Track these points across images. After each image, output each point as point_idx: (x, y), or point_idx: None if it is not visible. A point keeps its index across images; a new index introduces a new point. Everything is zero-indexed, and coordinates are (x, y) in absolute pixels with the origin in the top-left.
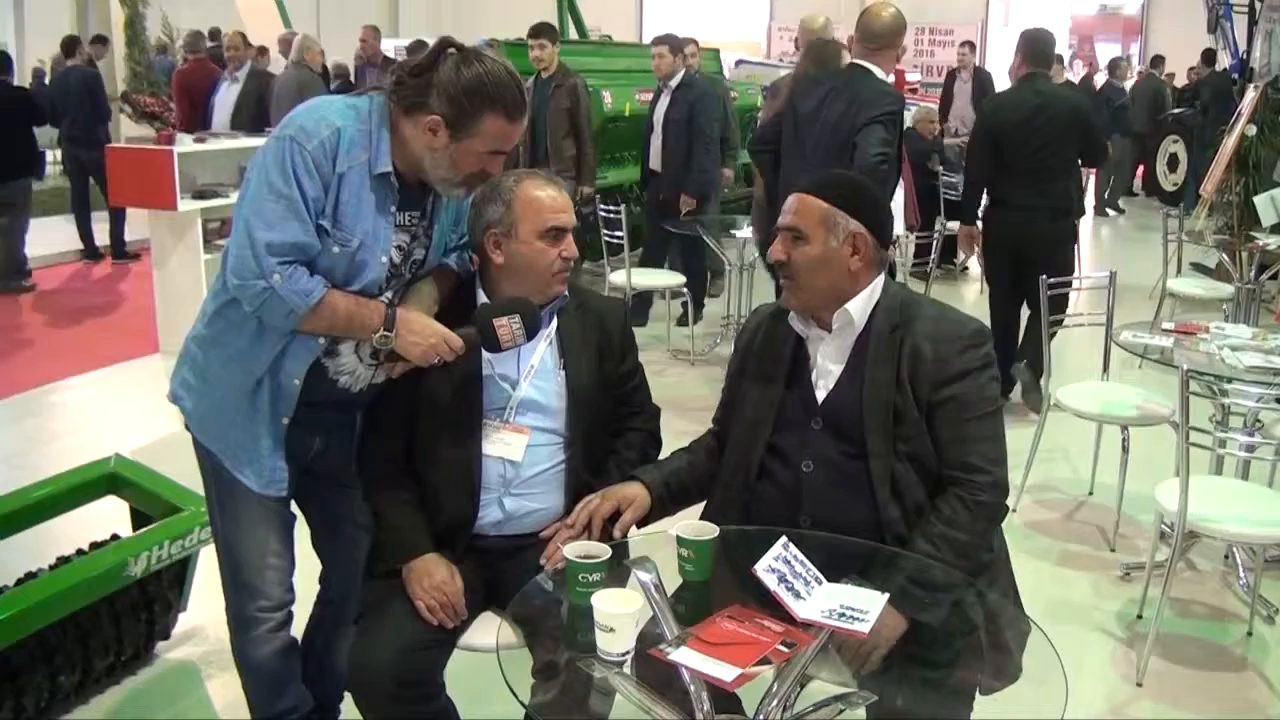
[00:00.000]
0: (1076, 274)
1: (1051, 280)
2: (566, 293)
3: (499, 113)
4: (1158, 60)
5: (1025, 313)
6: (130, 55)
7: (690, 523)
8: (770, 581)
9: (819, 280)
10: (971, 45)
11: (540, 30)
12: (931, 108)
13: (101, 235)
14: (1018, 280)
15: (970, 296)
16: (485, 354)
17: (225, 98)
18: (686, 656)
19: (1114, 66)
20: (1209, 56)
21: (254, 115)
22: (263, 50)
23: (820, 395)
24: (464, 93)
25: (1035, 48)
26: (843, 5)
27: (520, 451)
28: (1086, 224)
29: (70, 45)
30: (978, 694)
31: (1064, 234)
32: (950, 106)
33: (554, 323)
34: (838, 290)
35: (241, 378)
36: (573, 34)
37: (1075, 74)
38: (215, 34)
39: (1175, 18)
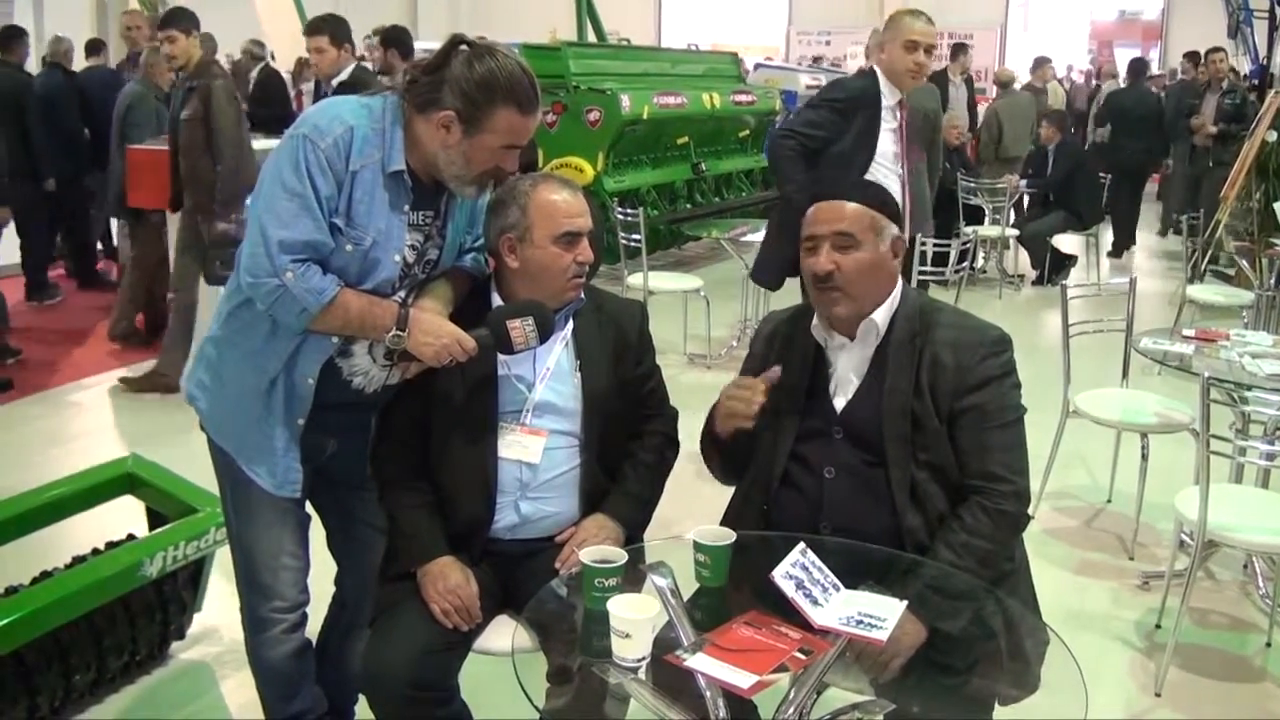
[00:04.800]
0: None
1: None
2: (583, 295)
3: (511, 106)
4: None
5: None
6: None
7: (707, 528)
8: (788, 588)
9: (869, 286)
10: (964, 47)
11: (172, 17)
12: (956, 111)
13: None
14: (1128, 186)
15: (988, 301)
16: (500, 356)
17: None
18: (703, 663)
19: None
20: None
21: None
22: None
23: (839, 404)
24: (476, 88)
25: (1141, 67)
26: (861, 11)
27: (537, 454)
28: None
29: (95, 45)
30: (996, 704)
31: (1149, 164)
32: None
33: (570, 325)
34: (881, 294)
35: (255, 377)
36: (591, 37)
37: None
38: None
39: (1195, 23)
